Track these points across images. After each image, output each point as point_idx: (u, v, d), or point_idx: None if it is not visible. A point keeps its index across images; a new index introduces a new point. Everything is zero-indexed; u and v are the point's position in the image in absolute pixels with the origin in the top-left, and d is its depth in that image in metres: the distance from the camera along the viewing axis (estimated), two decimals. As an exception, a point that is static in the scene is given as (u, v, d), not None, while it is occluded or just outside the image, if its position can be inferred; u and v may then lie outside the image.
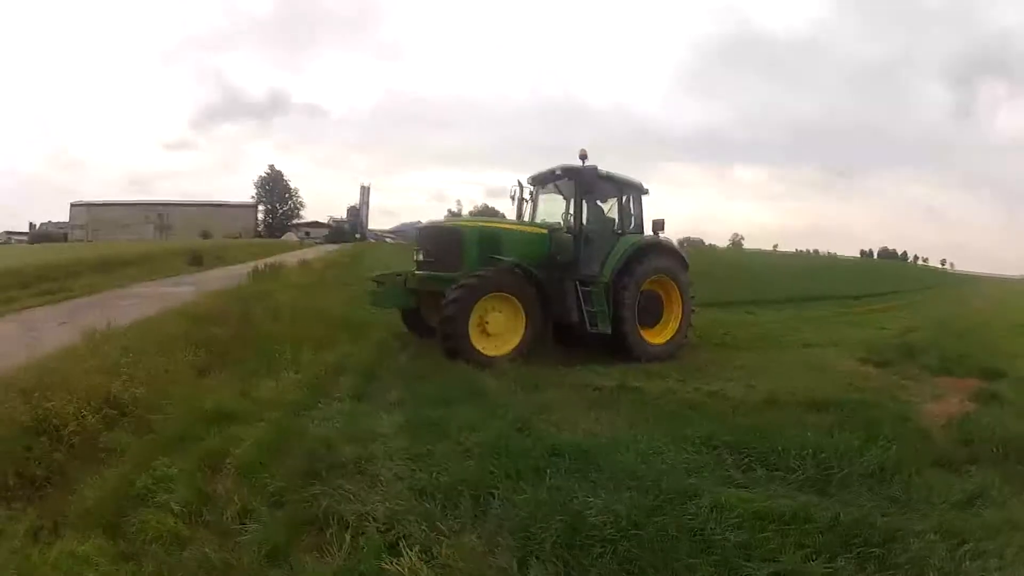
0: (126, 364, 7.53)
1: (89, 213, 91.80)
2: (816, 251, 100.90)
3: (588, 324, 10.45)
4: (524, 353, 9.87)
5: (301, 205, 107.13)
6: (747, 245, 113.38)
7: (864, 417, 6.87)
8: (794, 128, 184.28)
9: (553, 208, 12.06)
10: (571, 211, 11.28)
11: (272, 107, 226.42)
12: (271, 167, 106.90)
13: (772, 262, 57.75)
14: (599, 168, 10.97)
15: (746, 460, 5.59)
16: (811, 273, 42.44)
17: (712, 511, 4.33)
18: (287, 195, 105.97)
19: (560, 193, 11.76)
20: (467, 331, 9.51)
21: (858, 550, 3.97)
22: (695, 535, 4.05)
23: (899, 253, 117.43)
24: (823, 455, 5.56)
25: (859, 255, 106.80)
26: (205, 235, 75.09)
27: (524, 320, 10.00)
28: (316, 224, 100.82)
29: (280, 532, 4.21)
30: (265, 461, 5.27)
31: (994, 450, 5.96)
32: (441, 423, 6.28)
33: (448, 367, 9.04)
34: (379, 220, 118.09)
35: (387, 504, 4.50)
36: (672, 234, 12.04)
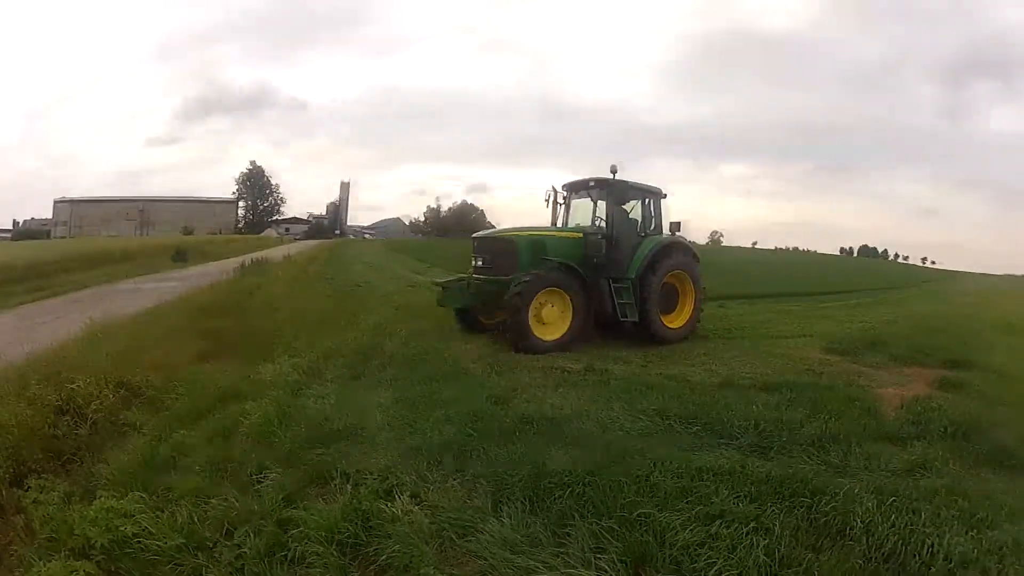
0: (134, 351, 8.22)
1: (72, 209, 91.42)
2: (796, 248, 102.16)
3: (619, 315, 11.82)
4: (573, 339, 11.23)
5: (282, 201, 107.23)
6: (728, 242, 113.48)
7: (812, 397, 7.53)
8: (783, 125, 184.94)
9: (583, 211, 13.31)
10: (599, 214, 12.56)
11: (258, 102, 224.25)
12: (252, 163, 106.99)
13: (748, 259, 58.63)
14: (626, 180, 12.48)
15: (695, 429, 6.34)
16: (788, 269, 43.25)
17: (656, 464, 5.10)
18: (268, 191, 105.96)
19: (590, 198, 13.06)
20: (528, 321, 10.80)
21: (788, 500, 4.62)
22: (641, 481, 4.83)
23: (880, 251, 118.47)
24: (766, 425, 6.30)
25: (839, 253, 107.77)
26: (187, 231, 75.07)
27: (571, 311, 11.34)
28: (296, 220, 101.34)
29: (293, 483, 5.01)
30: (274, 430, 6.07)
31: (944, 429, 6.41)
32: (428, 398, 7.15)
33: (433, 352, 10.00)
34: (363, 215, 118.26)
35: (382, 461, 5.36)
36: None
